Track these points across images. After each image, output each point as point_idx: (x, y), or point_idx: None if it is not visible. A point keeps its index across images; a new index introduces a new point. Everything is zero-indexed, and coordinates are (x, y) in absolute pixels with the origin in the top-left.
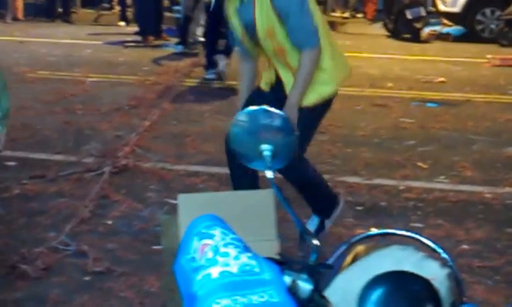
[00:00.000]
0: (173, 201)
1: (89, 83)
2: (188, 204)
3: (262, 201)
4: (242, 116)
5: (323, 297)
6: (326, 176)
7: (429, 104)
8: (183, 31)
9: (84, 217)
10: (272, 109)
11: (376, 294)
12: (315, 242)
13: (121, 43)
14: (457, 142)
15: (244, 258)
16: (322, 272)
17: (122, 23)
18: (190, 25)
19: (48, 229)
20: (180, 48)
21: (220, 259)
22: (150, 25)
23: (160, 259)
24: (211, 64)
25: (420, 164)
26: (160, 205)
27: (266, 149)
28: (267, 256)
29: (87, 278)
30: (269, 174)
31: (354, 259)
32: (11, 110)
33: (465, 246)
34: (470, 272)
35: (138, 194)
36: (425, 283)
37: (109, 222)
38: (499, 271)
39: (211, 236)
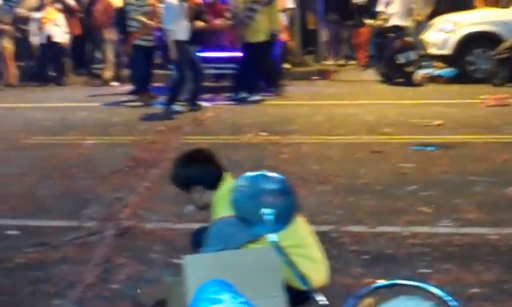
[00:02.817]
0: (178, 261)
1: (85, 146)
2: (194, 265)
3: (267, 257)
4: (242, 182)
5: None
6: (329, 227)
7: (427, 148)
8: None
9: (89, 283)
10: (271, 174)
11: None
12: (324, 301)
13: (116, 103)
14: (458, 184)
15: None
16: None
17: (116, 84)
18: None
19: (53, 297)
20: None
21: None
22: (144, 83)
23: None
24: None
25: (423, 208)
26: (165, 266)
27: (268, 213)
28: None
29: None
30: (273, 237)
31: None
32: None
33: (475, 289)
34: None
35: (142, 256)
36: None
37: (115, 286)
38: None
39: (220, 302)
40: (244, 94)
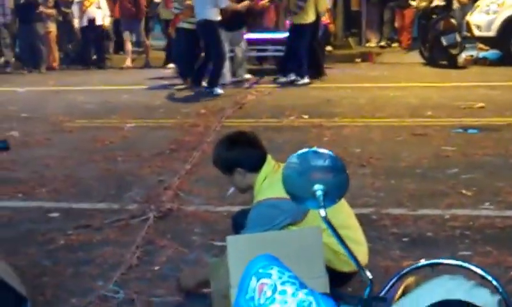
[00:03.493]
0: (219, 243)
1: (127, 129)
2: (237, 246)
3: (310, 238)
4: (293, 159)
5: None
6: (370, 209)
7: (469, 130)
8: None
9: (131, 264)
10: (322, 150)
11: None
12: (369, 276)
13: (158, 86)
14: (500, 167)
15: (301, 295)
16: (375, 305)
17: (171, 66)
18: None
19: (96, 279)
20: (206, 89)
21: (278, 297)
22: (188, 66)
23: (210, 301)
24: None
25: (464, 191)
26: (206, 248)
27: (318, 189)
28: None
29: None
30: (322, 212)
31: (404, 292)
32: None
33: None
34: None
35: (183, 238)
36: None
37: (157, 268)
38: None
39: (269, 276)
40: (293, 77)
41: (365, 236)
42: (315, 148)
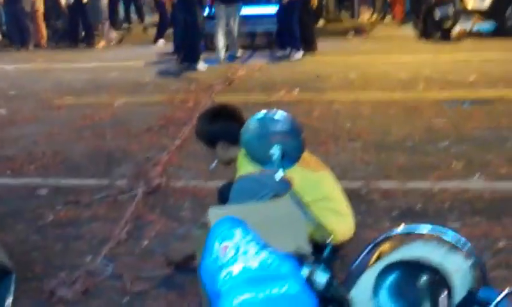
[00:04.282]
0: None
1: (117, 106)
2: (218, 217)
3: (291, 209)
4: (251, 122)
5: (340, 286)
6: (360, 182)
7: (461, 104)
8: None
9: (120, 239)
10: (279, 113)
11: (389, 280)
12: (329, 238)
13: (147, 63)
14: (491, 140)
15: (264, 254)
16: (349, 272)
17: (161, 41)
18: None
19: (84, 254)
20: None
21: (241, 256)
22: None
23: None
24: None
25: (454, 164)
26: (195, 223)
27: (276, 151)
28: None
29: (126, 299)
30: (280, 173)
31: (379, 257)
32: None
33: (503, 243)
34: (508, 268)
35: (172, 213)
36: (434, 271)
37: (145, 242)
38: None
39: (232, 237)
40: (288, 51)
41: (354, 209)
42: (272, 111)
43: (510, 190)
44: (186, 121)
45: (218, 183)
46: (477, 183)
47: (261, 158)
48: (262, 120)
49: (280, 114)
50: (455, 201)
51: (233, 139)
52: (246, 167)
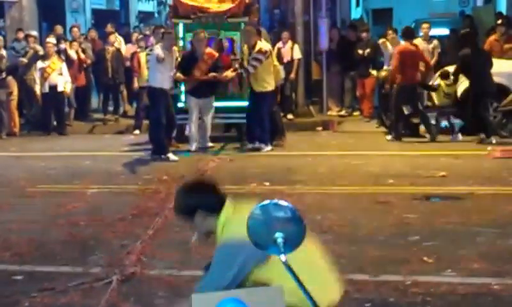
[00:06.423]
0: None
1: (90, 194)
2: (202, 305)
3: (272, 297)
4: (256, 210)
5: None
6: None
7: (432, 199)
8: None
9: None
10: (282, 202)
11: None
12: None
13: (119, 153)
14: (462, 235)
15: None
16: None
17: (136, 132)
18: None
19: None
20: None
21: None
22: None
23: None
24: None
25: (425, 258)
26: None
27: (279, 236)
28: None
29: None
30: (283, 258)
31: None
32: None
33: None
34: None
35: (147, 302)
36: None
37: None
38: None
39: None
40: (257, 145)
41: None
42: (275, 201)
43: (483, 285)
44: (158, 211)
45: (192, 272)
46: (449, 278)
47: (265, 243)
48: (266, 208)
49: (282, 203)
50: (427, 295)
51: (211, 208)
52: (226, 236)
